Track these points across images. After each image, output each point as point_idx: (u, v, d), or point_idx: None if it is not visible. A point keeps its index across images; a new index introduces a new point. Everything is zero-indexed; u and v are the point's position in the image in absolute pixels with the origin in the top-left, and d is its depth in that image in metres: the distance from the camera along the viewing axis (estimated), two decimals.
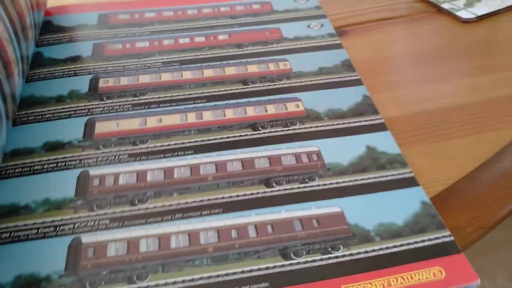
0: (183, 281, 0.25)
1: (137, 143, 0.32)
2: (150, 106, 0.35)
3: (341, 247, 0.26)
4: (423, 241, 0.26)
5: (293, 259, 0.26)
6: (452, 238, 0.27)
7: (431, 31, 0.44)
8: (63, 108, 0.35)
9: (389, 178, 0.30)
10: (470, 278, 0.25)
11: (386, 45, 0.42)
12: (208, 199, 0.29)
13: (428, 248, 0.26)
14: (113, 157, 0.31)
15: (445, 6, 0.46)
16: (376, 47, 0.42)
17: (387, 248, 0.26)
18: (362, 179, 0.30)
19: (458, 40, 0.43)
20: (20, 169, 0.30)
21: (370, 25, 0.45)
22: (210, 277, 0.25)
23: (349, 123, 0.34)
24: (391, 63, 0.40)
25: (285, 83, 0.38)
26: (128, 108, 0.35)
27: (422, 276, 0.25)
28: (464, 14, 0.45)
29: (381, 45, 0.42)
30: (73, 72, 0.39)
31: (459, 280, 0.25)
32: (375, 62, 0.40)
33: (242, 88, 0.37)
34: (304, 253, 0.26)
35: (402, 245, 0.26)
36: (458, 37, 0.43)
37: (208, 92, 0.37)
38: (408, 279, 0.25)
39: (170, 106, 0.36)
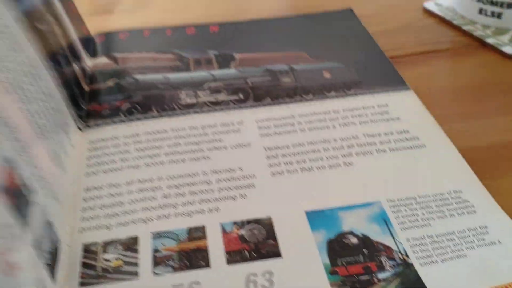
0: None
1: None
2: None
3: None
4: None
5: None
6: None
7: (476, 66, 0.43)
8: None
9: None
10: None
11: (431, 78, 0.42)
12: None
13: None
14: None
15: (490, 40, 0.45)
16: (421, 80, 0.41)
17: None
18: None
19: (504, 75, 0.42)
20: None
21: (414, 57, 0.44)
22: None
23: None
24: (436, 97, 0.40)
25: None
26: None
27: None
28: (509, 50, 0.44)
29: (426, 78, 0.42)
30: None
31: None
32: (421, 95, 0.39)
33: None
34: None
35: None
36: (504, 72, 0.42)
37: None
38: None
39: None
